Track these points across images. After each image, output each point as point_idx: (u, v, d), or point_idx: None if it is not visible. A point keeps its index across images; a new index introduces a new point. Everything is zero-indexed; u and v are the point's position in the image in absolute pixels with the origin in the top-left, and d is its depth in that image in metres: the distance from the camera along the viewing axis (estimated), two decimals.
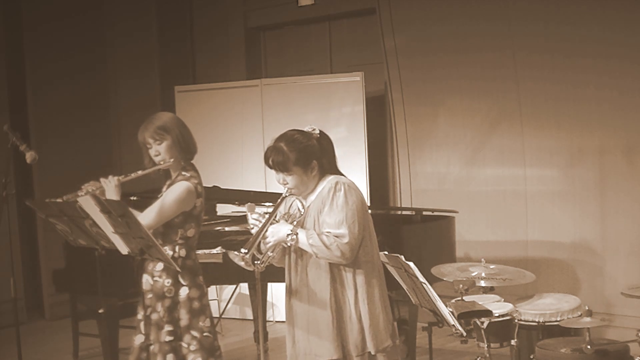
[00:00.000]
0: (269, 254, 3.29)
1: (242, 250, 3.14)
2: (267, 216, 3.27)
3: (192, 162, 3.78)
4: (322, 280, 3.27)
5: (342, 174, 3.37)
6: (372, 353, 3.27)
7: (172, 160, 3.66)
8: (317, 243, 3.18)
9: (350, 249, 3.19)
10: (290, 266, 3.38)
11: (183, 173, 3.70)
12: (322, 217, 3.25)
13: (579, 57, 5.62)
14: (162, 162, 3.66)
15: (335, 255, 3.18)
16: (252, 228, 3.28)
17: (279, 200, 3.33)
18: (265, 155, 3.31)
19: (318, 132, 3.35)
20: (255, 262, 3.22)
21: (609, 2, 5.46)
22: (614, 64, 5.48)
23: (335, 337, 3.25)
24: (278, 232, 3.26)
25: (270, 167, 3.31)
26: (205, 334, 3.70)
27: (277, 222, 3.29)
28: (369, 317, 3.26)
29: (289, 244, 3.27)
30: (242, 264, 3.18)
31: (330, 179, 3.31)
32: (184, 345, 3.67)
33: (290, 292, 3.38)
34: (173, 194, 3.62)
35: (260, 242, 3.26)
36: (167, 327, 3.63)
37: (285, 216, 3.33)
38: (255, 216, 3.30)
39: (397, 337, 3.42)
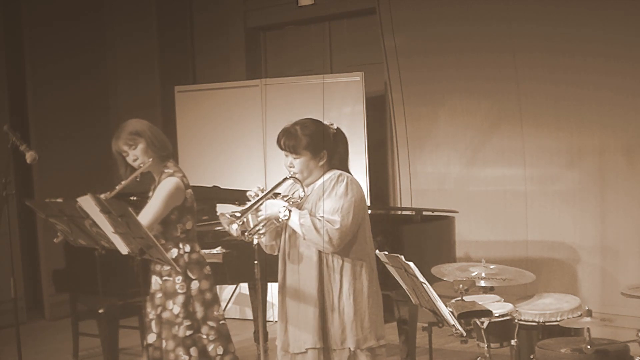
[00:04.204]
0: (259, 227, 3.30)
1: (236, 213, 3.18)
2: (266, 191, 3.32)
3: (172, 159, 3.86)
4: (311, 270, 3.31)
5: (350, 173, 3.40)
6: (352, 349, 3.29)
7: (150, 160, 3.73)
8: (308, 223, 3.22)
9: (339, 237, 3.21)
10: (284, 254, 3.41)
11: (166, 170, 3.78)
12: (319, 204, 3.28)
13: (579, 57, 5.62)
14: (142, 165, 3.73)
15: (323, 239, 3.21)
16: (250, 200, 3.32)
17: (281, 180, 3.36)
18: (278, 137, 3.37)
19: (335, 127, 3.40)
20: (244, 232, 3.27)
21: (609, 2, 5.46)
22: (613, 64, 5.48)
23: (318, 328, 3.29)
24: (272, 206, 3.30)
25: (281, 149, 3.37)
26: (221, 322, 3.84)
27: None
28: (353, 313, 3.29)
29: (281, 220, 3.29)
30: (227, 228, 3.21)
31: (335, 172, 3.37)
32: (203, 336, 3.78)
33: (283, 281, 3.43)
34: (163, 191, 3.70)
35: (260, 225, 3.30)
36: (186, 322, 3.73)
37: (286, 197, 3.36)
38: (255, 189, 3.34)
39: (385, 339, 3.42)
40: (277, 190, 3.37)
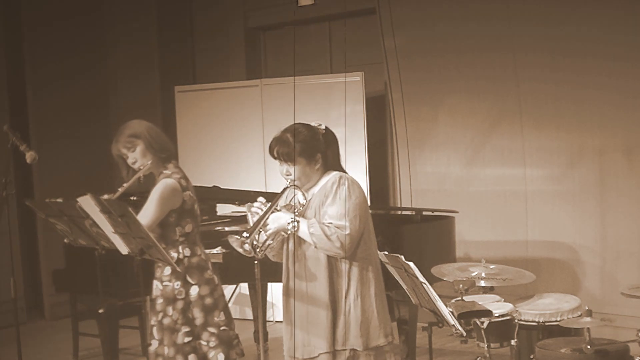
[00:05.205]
0: (269, 242, 3.30)
1: (244, 234, 3.17)
2: (268, 205, 3.30)
3: (174, 160, 3.80)
4: (320, 273, 3.29)
5: (346, 172, 3.40)
6: (359, 349, 3.28)
7: (150, 162, 3.70)
8: (318, 232, 3.20)
9: (350, 241, 3.21)
10: (288, 259, 3.40)
11: (164, 172, 3.73)
12: (323, 209, 3.28)
13: (579, 58, 5.62)
14: (141, 167, 3.70)
15: (335, 246, 3.20)
16: (253, 216, 3.30)
17: (282, 190, 3.35)
18: (270, 146, 3.35)
19: (324, 128, 3.40)
20: (255, 249, 3.25)
21: (609, 2, 5.46)
22: (614, 65, 5.47)
23: (330, 332, 3.27)
24: (279, 219, 3.29)
25: (275, 158, 3.36)
26: (222, 327, 3.75)
27: (278, 211, 3.32)
28: (361, 313, 3.28)
29: (289, 232, 3.29)
30: (240, 250, 3.20)
31: (335, 174, 3.35)
32: (203, 343, 3.71)
33: (287, 285, 3.40)
34: (156, 192, 3.65)
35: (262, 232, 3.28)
36: (184, 329, 3.67)
37: (286, 207, 3.35)
38: (257, 204, 3.33)
39: (393, 337, 3.42)
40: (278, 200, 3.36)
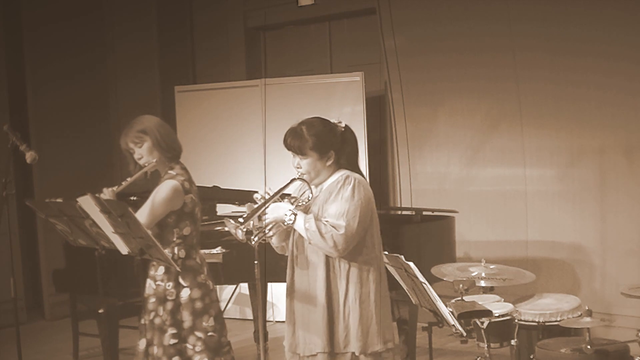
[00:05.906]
0: (265, 231, 3.27)
1: (240, 219, 3.15)
2: (272, 194, 3.27)
3: (180, 160, 3.78)
4: (319, 274, 3.27)
5: (362, 173, 3.37)
6: (357, 354, 3.25)
7: (155, 160, 3.67)
8: (313, 228, 3.17)
9: (344, 242, 3.17)
10: (292, 257, 3.38)
11: (169, 172, 3.70)
12: (325, 206, 3.25)
13: (579, 57, 5.62)
14: (146, 164, 3.67)
15: (328, 245, 3.16)
16: (255, 204, 3.27)
17: (288, 182, 3.31)
18: (285, 136, 3.31)
19: (344, 126, 3.36)
20: (249, 236, 3.22)
21: (609, 2, 5.46)
22: (613, 64, 5.48)
23: (327, 332, 3.25)
24: (277, 209, 3.26)
25: (287, 149, 3.32)
26: (209, 333, 3.69)
27: (281, 201, 3.30)
28: (359, 317, 3.24)
29: (286, 224, 3.26)
30: (233, 231, 3.17)
31: (343, 172, 3.31)
32: (189, 346, 3.66)
33: (291, 283, 3.38)
34: (159, 193, 3.62)
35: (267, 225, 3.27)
36: (171, 330, 3.63)
37: (293, 199, 3.33)
38: (262, 192, 3.30)
39: (394, 343, 3.38)
40: (285, 191, 3.34)
